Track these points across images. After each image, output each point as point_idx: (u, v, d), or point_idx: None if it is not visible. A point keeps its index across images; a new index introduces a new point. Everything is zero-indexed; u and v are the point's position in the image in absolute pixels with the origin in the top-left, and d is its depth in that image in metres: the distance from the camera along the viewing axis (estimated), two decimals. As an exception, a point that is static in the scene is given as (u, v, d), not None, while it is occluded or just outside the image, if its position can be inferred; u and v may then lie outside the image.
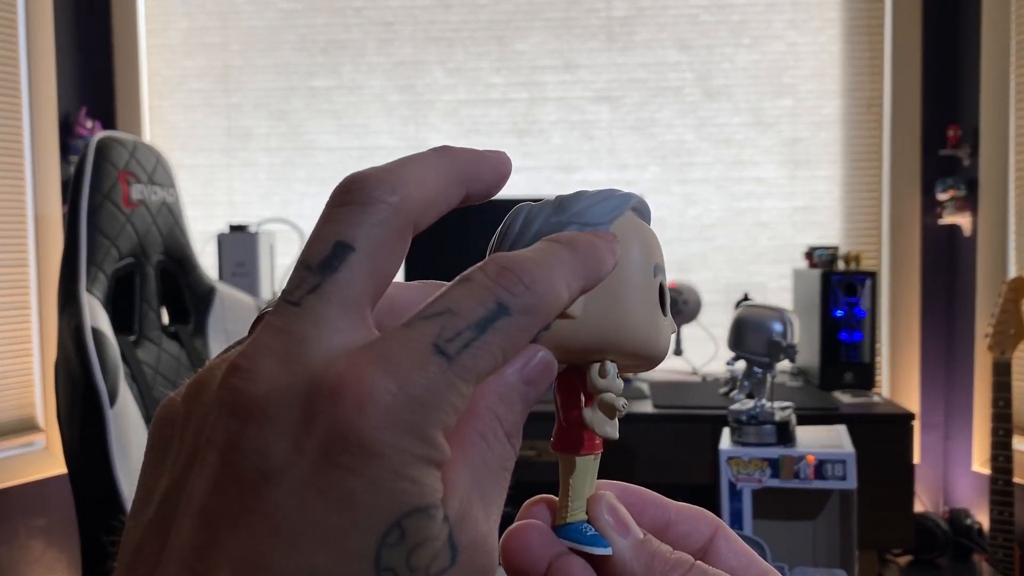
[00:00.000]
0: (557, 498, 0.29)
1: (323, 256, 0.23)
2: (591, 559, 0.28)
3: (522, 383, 0.26)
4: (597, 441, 0.29)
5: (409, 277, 2.47)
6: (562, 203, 0.29)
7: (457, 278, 0.24)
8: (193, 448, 0.23)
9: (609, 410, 0.28)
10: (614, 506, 0.29)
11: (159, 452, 0.24)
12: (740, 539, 0.31)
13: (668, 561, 0.28)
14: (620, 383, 0.28)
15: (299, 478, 0.21)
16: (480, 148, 0.27)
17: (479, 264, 0.25)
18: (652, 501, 0.31)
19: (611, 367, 0.28)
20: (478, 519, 0.23)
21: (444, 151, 0.26)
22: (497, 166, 0.27)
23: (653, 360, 0.29)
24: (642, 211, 0.30)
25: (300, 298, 0.23)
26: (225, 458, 0.22)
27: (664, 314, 0.29)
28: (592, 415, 0.28)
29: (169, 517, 0.23)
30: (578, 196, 0.29)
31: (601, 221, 0.28)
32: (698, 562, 0.28)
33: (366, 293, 0.24)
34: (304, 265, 0.24)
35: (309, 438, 0.21)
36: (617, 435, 0.28)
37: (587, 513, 0.28)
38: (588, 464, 0.29)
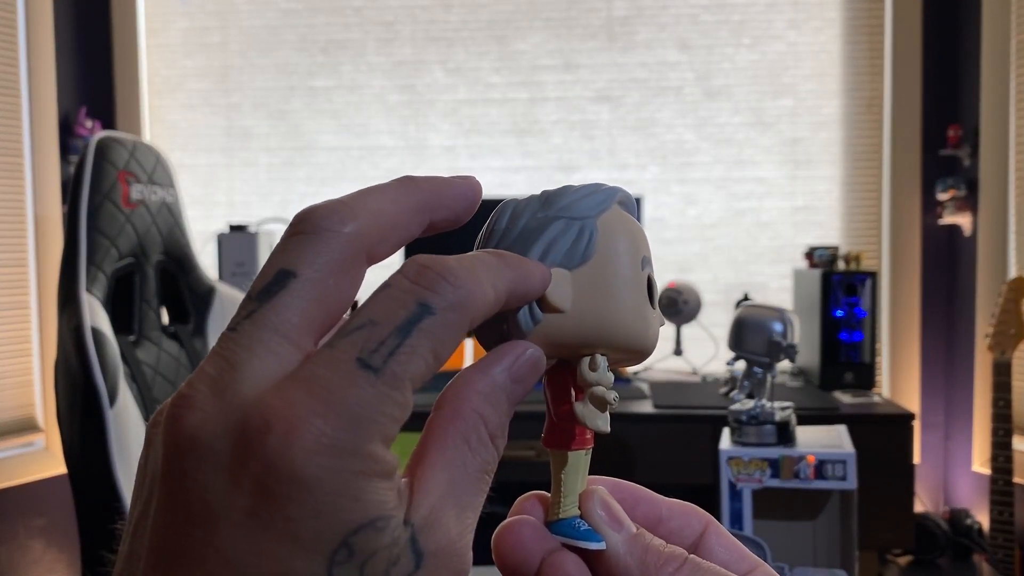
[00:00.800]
0: (549, 494, 0.29)
1: (264, 283, 0.24)
2: (584, 554, 0.28)
3: (510, 381, 0.26)
4: (588, 436, 0.29)
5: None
6: (548, 198, 0.29)
7: (379, 286, 0.24)
8: (152, 480, 0.23)
9: (600, 403, 0.28)
10: (607, 501, 0.29)
11: (136, 482, 0.25)
12: (730, 534, 0.31)
13: (662, 555, 0.28)
14: (610, 376, 0.28)
15: (242, 511, 0.21)
16: (449, 176, 0.27)
17: (399, 268, 0.24)
18: (643, 497, 0.31)
19: (601, 360, 0.28)
20: (449, 525, 0.23)
21: (406, 181, 0.26)
22: (464, 192, 0.27)
23: (643, 353, 0.29)
24: (628, 205, 0.30)
25: (236, 324, 0.23)
26: (171, 493, 0.22)
27: (652, 307, 0.29)
28: (583, 409, 0.28)
29: (138, 551, 0.23)
30: (564, 191, 0.29)
31: (589, 215, 0.28)
32: (691, 556, 0.28)
33: (308, 318, 0.23)
34: (247, 295, 0.24)
35: (246, 472, 0.21)
36: (609, 428, 0.28)
37: (580, 508, 0.28)
38: (580, 459, 0.29)
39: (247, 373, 0.22)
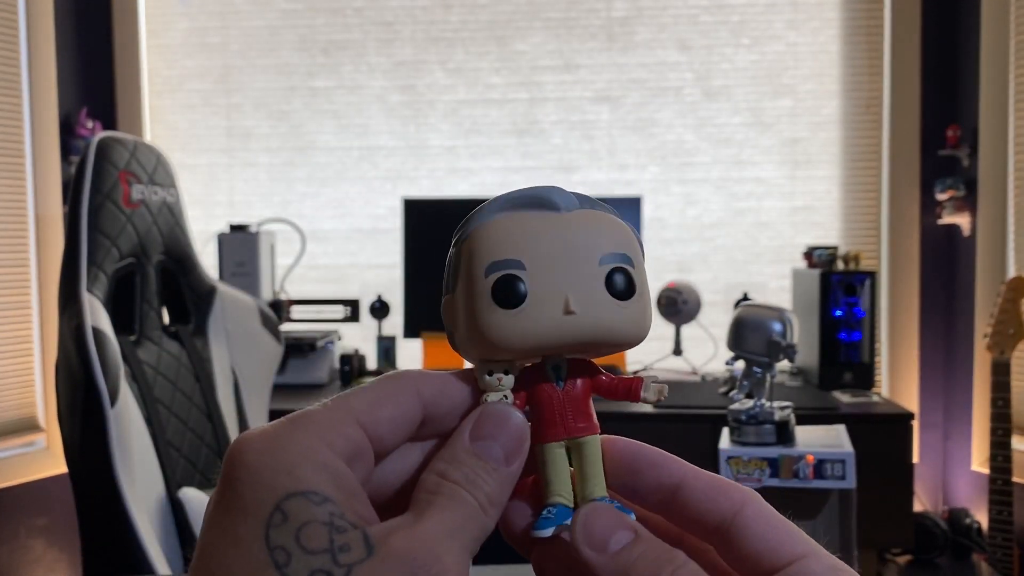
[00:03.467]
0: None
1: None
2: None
3: (467, 441, 0.28)
4: (551, 432, 0.30)
5: (408, 276, 2.47)
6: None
7: None
8: None
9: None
10: (587, 525, 0.28)
11: None
12: (777, 515, 0.28)
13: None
14: (493, 381, 0.30)
15: (212, 506, 0.26)
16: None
17: None
18: (655, 462, 0.30)
19: (481, 369, 0.30)
20: (406, 525, 0.26)
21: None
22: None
23: (501, 345, 0.29)
24: (530, 199, 0.30)
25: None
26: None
27: (505, 307, 0.29)
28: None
29: None
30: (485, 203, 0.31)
31: (457, 238, 0.31)
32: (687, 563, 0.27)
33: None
34: None
35: (220, 478, 0.26)
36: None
37: (556, 500, 0.29)
38: (549, 452, 0.30)
39: None
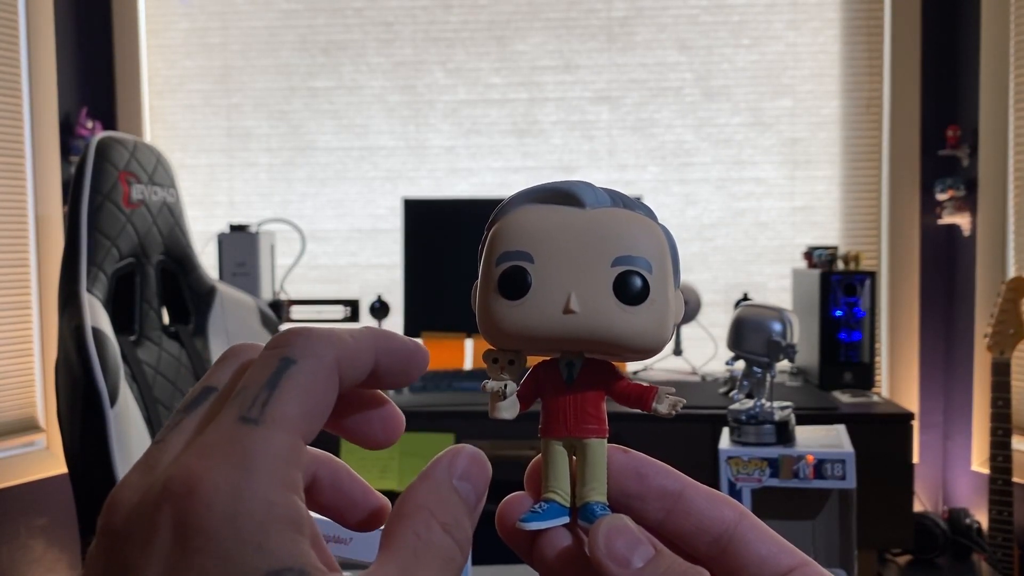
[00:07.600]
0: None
1: (191, 398, 0.27)
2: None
3: (451, 478, 0.26)
4: (552, 428, 0.30)
5: (408, 276, 2.47)
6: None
7: None
8: None
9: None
10: (610, 537, 0.27)
11: None
12: (769, 528, 0.29)
13: None
14: (495, 369, 0.30)
15: (152, 569, 0.22)
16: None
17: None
18: (659, 470, 0.30)
19: (487, 355, 0.30)
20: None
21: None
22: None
23: (501, 334, 0.29)
24: (562, 196, 0.30)
25: (163, 436, 0.26)
26: None
27: (508, 297, 0.29)
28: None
29: None
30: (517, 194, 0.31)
31: (496, 219, 0.30)
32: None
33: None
34: (177, 409, 0.27)
35: (160, 539, 0.22)
36: (503, 416, 0.30)
37: (551, 497, 0.29)
38: (548, 447, 0.30)
39: (169, 456, 0.25)
